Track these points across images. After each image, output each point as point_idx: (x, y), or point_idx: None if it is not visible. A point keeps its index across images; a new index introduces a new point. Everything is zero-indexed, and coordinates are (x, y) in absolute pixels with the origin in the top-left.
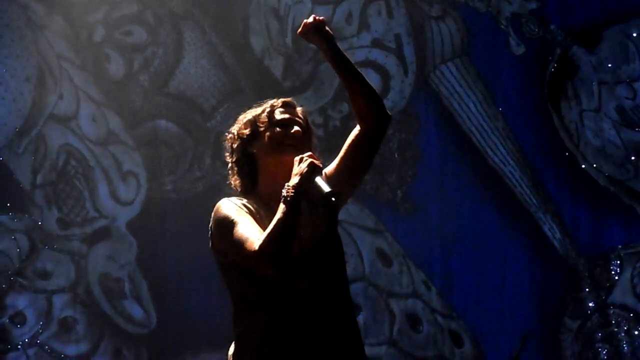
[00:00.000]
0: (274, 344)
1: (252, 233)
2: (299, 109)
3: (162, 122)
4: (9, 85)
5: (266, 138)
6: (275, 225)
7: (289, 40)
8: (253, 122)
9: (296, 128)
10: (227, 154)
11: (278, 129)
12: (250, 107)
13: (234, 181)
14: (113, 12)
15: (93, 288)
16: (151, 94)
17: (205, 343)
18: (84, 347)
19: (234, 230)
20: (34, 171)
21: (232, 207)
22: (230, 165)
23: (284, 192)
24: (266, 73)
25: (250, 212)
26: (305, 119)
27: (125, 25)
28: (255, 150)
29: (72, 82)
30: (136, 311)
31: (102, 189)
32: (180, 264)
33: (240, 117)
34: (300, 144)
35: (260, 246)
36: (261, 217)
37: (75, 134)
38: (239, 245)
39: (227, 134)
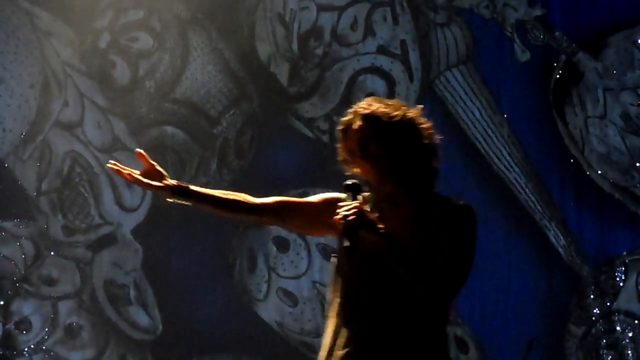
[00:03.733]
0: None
1: None
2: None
3: (168, 129)
4: (14, 92)
5: None
6: None
7: (294, 46)
8: None
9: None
10: None
11: None
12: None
13: None
14: (119, 18)
15: (98, 294)
16: (157, 100)
17: (211, 349)
18: (89, 353)
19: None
20: (39, 178)
21: None
22: None
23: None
24: (272, 79)
25: None
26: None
27: (131, 31)
28: None
29: (78, 88)
30: (141, 317)
31: (107, 196)
32: (185, 270)
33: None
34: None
35: None
36: None
37: (80, 140)
38: None
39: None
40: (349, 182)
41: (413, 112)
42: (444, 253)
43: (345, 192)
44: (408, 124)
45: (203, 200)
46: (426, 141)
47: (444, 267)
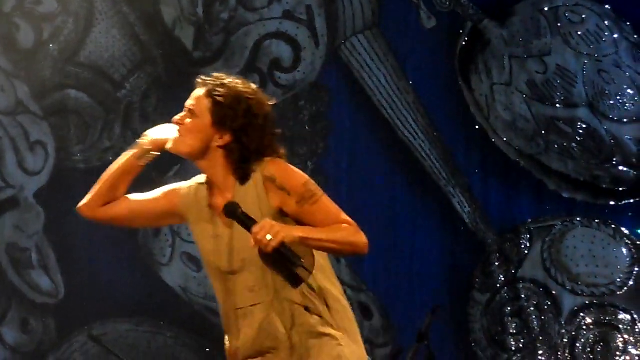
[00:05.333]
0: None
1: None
2: (196, 93)
3: (72, 92)
4: None
5: None
6: None
7: (199, 10)
8: None
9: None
10: None
11: None
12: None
13: None
14: None
15: (0, 258)
16: (61, 64)
17: (114, 313)
18: None
19: None
20: None
21: None
22: None
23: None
24: (177, 43)
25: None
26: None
27: None
28: None
29: None
30: (43, 281)
31: (10, 159)
32: (88, 234)
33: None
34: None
35: None
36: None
37: None
38: None
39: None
40: (225, 206)
41: (247, 87)
42: (319, 214)
43: (230, 218)
44: (252, 103)
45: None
46: (267, 113)
47: (339, 220)
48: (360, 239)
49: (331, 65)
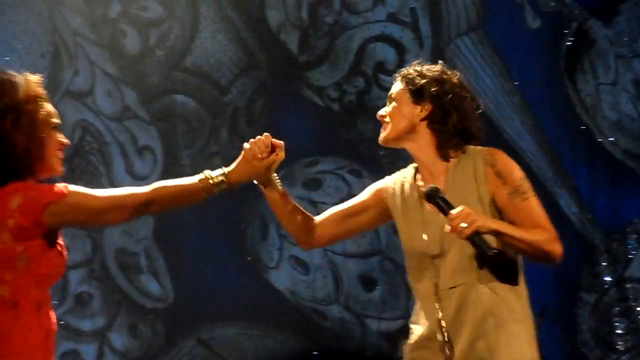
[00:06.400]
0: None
1: None
2: (396, 87)
3: (179, 97)
4: (24, 61)
5: None
6: None
7: (304, 14)
8: None
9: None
10: None
11: None
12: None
13: None
14: None
15: (109, 263)
16: (167, 69)
17: (222, 317)
18: (99, 322)
19: None
20: None
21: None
22: None
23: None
24: (282, 47)
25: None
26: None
27: (141, 0)
28: None
29: (88, 58)
30: (152, 286)
31: (118, 164)
32: (197, 239)
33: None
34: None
35: None
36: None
37: (90, 109)
38: None
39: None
40: (427, 190)
41: (439, 67)
42: (524, 212)
43: (430, 202)
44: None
45: (287, 200)
46: (464, 90)
47: (540, 224)
48: (554, 248)
49: None
